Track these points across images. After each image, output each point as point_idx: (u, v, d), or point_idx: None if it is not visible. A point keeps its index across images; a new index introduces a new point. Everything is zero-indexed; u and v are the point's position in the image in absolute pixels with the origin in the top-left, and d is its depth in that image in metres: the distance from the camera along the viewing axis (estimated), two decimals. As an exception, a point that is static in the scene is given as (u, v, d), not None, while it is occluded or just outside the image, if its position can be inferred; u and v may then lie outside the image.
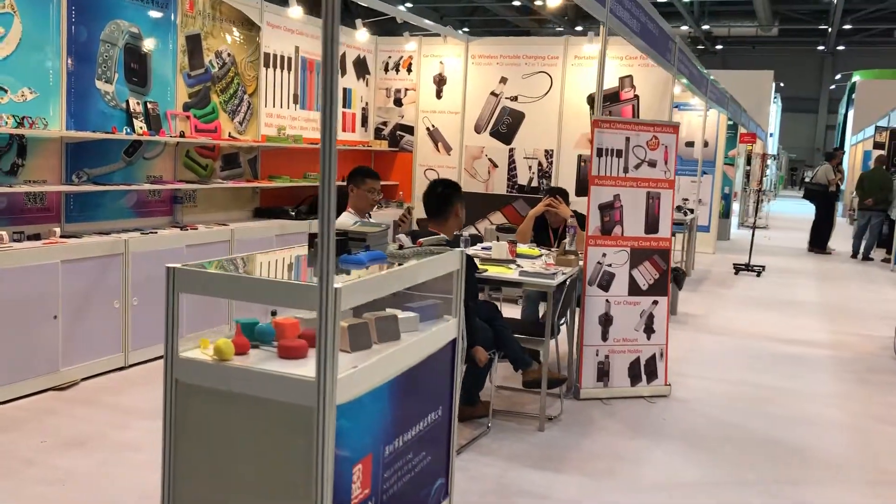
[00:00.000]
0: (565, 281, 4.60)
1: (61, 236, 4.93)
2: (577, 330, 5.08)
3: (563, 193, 5.85)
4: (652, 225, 5.16)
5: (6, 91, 4.77)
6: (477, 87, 8.66)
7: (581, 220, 5.22)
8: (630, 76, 8.06)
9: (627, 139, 5.06)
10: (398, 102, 9.04)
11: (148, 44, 5.76)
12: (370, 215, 5.08)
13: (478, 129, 8.68)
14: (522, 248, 5.44)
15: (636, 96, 8.04)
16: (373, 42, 8.91)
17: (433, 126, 8.89)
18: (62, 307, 4.67)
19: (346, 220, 4.94)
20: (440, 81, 8.82)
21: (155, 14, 5.81)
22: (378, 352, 2.59)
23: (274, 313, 2.71)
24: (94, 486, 3.45)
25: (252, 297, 2.40)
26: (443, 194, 4.31)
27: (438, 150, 8.89)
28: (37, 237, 4.76)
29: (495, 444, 4.13)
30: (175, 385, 2.45)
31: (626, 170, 5.07)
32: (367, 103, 9.00)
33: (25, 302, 4.45)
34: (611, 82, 7.99)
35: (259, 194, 7.19)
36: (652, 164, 5.14)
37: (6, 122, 4.62)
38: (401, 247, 3.20)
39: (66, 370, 4.74)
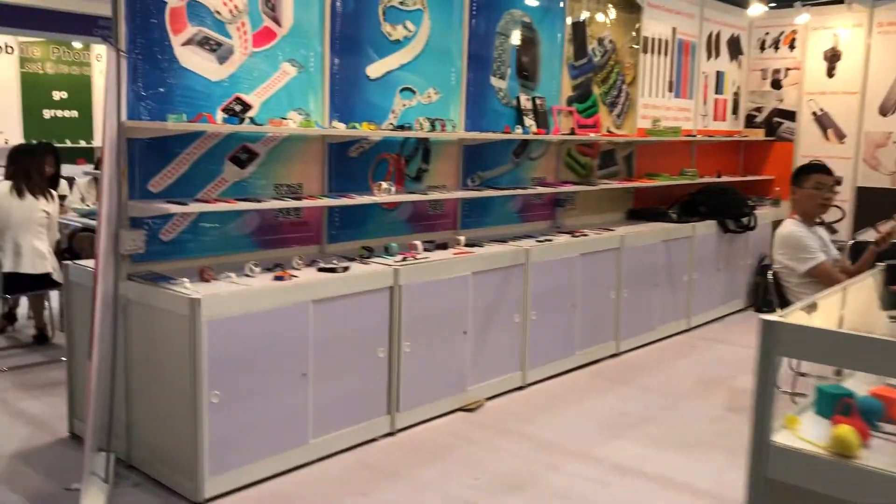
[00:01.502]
0: None
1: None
2: None
3: None
4: None
5: (414, 92, 4.55)
6: (882, 61, 7.17)
7: None
8: None
9: None
10: (776, 84, 7.83)
11: (538, 34, 5.31)
12: (823, 221, 4.10)
13: (883, 112, 7.19)
14: None
15: None
16: (746, 18, 7.79)
17: (821, 110, 7.55)
18: (471, 322, 4.34)
19: (795, 229, 4.03)
20: (832, 57, 7.45)
21: (545, 1, 5.34)
22: None
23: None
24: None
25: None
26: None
27: (828, 138, 7.54)
28: (443, 246, 4.48)
29: None
30: (765, 485, 1.76)
31: None
32: (738, 87, 7.91)
33: (438, 316, 4.16)
34: None
35: (633, 194, 6.50)
36: None
37: (422, 126, 4.38)
38: None
39: (472, 390, 4.41)
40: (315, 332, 3.58)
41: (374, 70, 4.36)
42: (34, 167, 5.16)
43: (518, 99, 5.21)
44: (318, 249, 4.23)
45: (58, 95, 12.01)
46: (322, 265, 3.79)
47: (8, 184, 5.05)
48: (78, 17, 9.80)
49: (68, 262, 3.87)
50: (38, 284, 5.06)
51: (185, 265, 3.62)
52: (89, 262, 3.75)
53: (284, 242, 4.07)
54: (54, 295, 5.47)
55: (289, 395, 3.50)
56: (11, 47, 11.39)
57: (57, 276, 5.13)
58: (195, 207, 3.38)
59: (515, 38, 5.13)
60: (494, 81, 5.04)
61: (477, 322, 4.38)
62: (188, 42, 3.54)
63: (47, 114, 11.91)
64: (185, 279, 3.31)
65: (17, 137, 11.54)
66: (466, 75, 4.82)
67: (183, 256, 3.65)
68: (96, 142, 12.45)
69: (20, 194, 5.00)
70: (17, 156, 5.18)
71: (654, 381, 5.00)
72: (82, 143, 12.18)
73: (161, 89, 3.46)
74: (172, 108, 3.48)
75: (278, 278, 3.51)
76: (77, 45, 11.92)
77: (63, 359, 5.05)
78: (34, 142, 11.54)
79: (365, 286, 3.79)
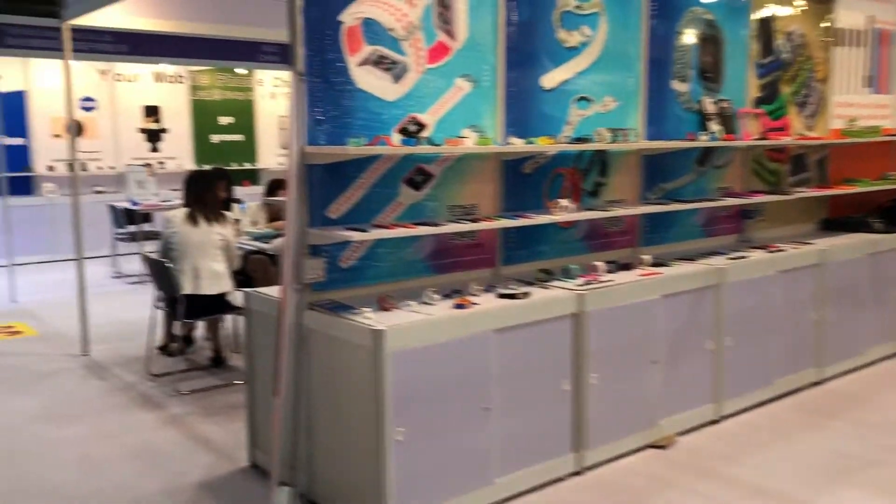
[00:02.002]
0: None
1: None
2: None
3: None
4: None
5: (590, 101, 4.24)
6: None
7: None
8: None
9: None
10: None
11: (721, 32, 4.86)
12: None
13: None
14: None
15: None
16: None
17: None
18: (661, 350, 3.96)
19: None
20: None
21: (729, -5, 4.89)
22: None
23: None
24: None
25: None
26: None
27: None
28: (626, 267, 4.13)
29: None
30: None
31: None
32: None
33: (626, 345, 3.82)
34: None
35: (826, 203, 5.86)
36: None
37: (602, 137, 4.07)
38: None
39: (663, 424, 4.02)
40: (497, 363, 3.34)
41: (549, 80, 4.09)
42: (209, 194, 5.28)
43: (701, 102, 4.78)
44: (492, 272, 4.01)
45: (224, 121, 12.62)
46: (501, 291, 3.55)
47: (184, 211, 5.18)
48: (244, 45, 10.23)
49: (247, 290, 3.85)
50: (216, 305, 5.16)
51: (362, 293, 3.49)
52: (269, 290, 3.70)
53: (459, 266, 3.87)
54: (228, 316, 5.58)
55: (471, 431, 3.28)
56: (182, 77, 12.08)
57: (233, 298, 5.21)
58: (376, 234, 3.24)
59: (697, 37, 4.71)
60: (675, 85, 4.64)
61: (667, 350, 4.00)
62: (364, 62, 3.42)
63: (215, 138, 12.54)
64: (367, 308, 3.17)
65: (188, 162, 12.22)
66: (646, 80, 4.46)
67: (360, 283, 3.53)
68: (261, 164, 13.01)
69: (195, 222, 5.12)
70: (192, 183, 5.32)
71: (871, 415, 4.40)
72: (247, 166, 12.73)
73: (338, 112, 3.35)
74: (350, 131, 3.37)
75: (459, 306, 3.30)
76: (241, 71, 12.48)
77: (237, 382, 5.16)
78: (206, 167, 12.23)
79: (547, 313, 3.52)
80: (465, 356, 3.23)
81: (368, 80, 3.44)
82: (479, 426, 3.30)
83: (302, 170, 3.19)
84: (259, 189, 11.25)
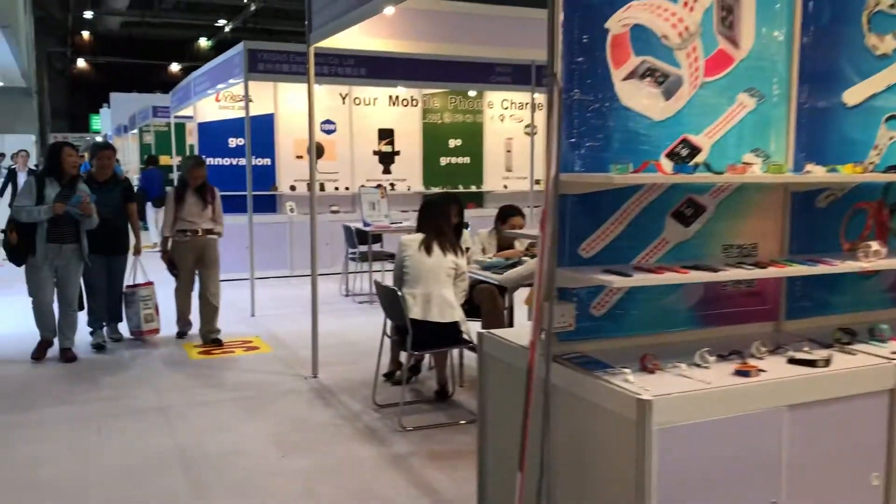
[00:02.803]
0: None
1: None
2: None
3: None
4: None
5: None
6: None
7: None
8: None
9: None
10: None
11: None
12: None
13: None
14: None
15: None
16: None
17: None
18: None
19: None
20: None
21: None
22: None
23: None
24: None
25: None
26: None
27: None
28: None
29: None
30: None
31: None
32: None
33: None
34: None
35: None
36: None
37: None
38: None
39: None
40: (789, 447, 2.67)
41: (853, 95, 3.34)
42: (444, 222, 5.10)
43: None
44: (773, 327, 3.31)
45: (453, 143, 12.66)
46: (793, 355, 2.86)
47: (419, 237, 4.98)
48: (478, 66, 10.11)
49: (483, 330, 3.47)
50: (446, 336, 4.88)
51: (616, 345, 2.97)
52: (506, 334, 3.30)
53: (733, 318, 3.23)
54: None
55: (752, 530, 2.63)
56: (416, 100, 12.27)
57: (464, 329, 4.92)
58: (641, 279, 2.71)
59: None
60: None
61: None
62: (630, 76, 2.91)
63: (443, 161, 12.61)
64: (626, 368, 2.65)
65: (417, 184, 12.38)
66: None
67: (614, 335, 3.01)
68: (486, 187, 12.89)
69: (429, 250, 4.91)
70: (428, 210, 5.16)
71: None
72: (473, 188, 12.66)
73: (597, 134, 2.87)
74: (609, 155, 2.87)
75: (741, 373, 2.67)
76: (472, 93, 12.45)
77: (463, 422, 4.83)
78: (434, 189, 12.32)
79: (856, 387, 2.78)
80: (750, 436, 2.60)
81: (634, 97, 2.92)
82: (762, 524, 2.64)
83: (556, 201, 2.74)
84: (484, 212, 11.11)
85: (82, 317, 6.59)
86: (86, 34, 34.19)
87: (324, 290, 6.28)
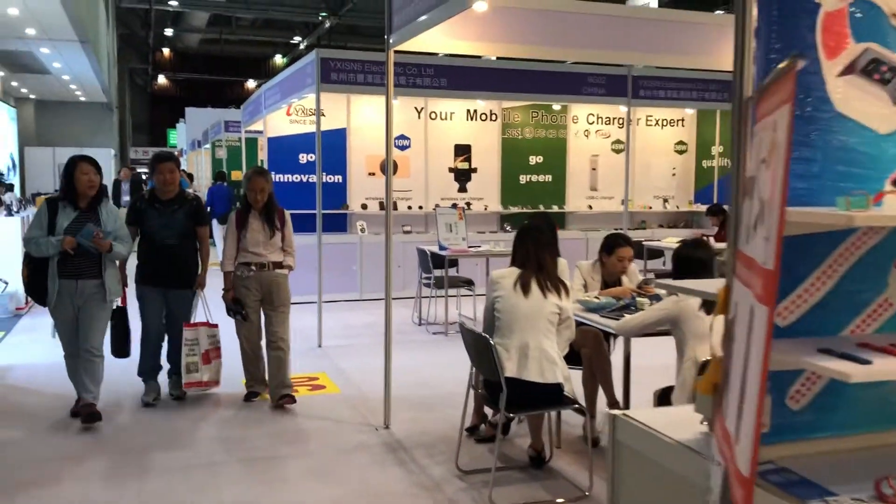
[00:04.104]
0: None
1: None
2: None
3: None
4: None
5: None
6: None
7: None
8: None
9: None
10: None
11: None
12: None
13: None
14: None
15: None
16: None
17: None
18: None
19: None
20: None
21: None
22: None
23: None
24: None
25: None
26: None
27: None
28: None
29: None
30: None
31: None
32: None
33: None
34: None
35: None
36: None
37: None
38: None
39: None
40: None
41: None
42: (546, 253, 4.20)
43: None
44: None
45: (533, 160, 11.83)
46: None
47: (515, 273, 4.15)
48: (568, 77, 9.26)
49: (617, 411, 2.62)
50: (546, 397, 4.05)
51: (824, 450, 2.10)
52: (649, 420, 2.45)
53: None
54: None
55: None
56: (496, 114, 11.51)
57: (568, 390, 4.08)
58: (886, 368, 1.82)
59: None
60: None
61: None
62: (847, 70, 2.06)
63: (523, 178, 11.79)
64: (851, 498, 1.78)
65: (494, 203, 11.60)
66: None
67: (816, 435, 2.14)
68: (569, 207, 12.01)
69: (527, 289, 4.07)
70: (527, 238, 4.26)
71: None
72: (555, 209, 11.79)
73: (805, 153, 2.02)
74: (821, 182, 2.02)
75: None
76: (556, 106, 11.63)
77: (561, 501, 4.00)
78: (513, 209, 11.49)
79: None
80: None
81: (854, 101, 2.06)
82: None
83: (781, 249, 1.89)
84: (566, 233, 10.22)
85: (129, 366, 5.66)
86: (166, 51, 34.85)
87: (396, 318, 5.50)
